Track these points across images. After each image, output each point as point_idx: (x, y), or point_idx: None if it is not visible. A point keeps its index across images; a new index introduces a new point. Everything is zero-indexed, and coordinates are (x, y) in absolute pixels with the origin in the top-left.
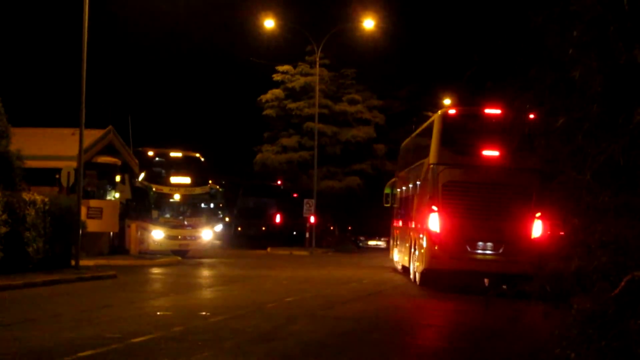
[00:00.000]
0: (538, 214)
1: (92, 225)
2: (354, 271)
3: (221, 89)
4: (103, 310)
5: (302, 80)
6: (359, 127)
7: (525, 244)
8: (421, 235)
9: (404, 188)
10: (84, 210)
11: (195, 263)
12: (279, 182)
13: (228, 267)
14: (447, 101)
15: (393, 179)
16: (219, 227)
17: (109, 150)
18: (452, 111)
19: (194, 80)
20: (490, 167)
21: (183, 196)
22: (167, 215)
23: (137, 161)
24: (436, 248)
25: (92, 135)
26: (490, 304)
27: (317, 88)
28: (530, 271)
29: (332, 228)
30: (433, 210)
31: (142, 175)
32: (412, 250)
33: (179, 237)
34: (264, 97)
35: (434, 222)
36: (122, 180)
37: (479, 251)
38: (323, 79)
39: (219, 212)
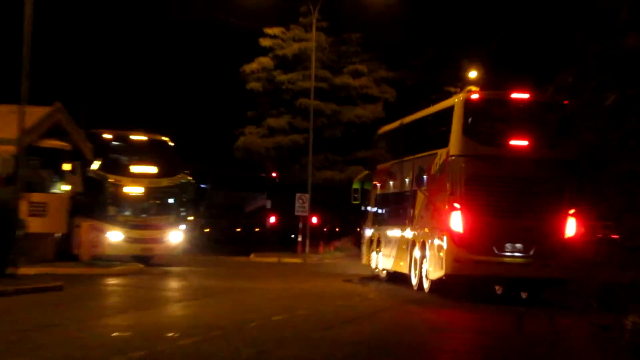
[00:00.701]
0: (572, 211)
1: (34, 225)
2: (357, 283)
3: (195, 59)
4: (46, 331)
5: (295, 46)
6: (365, 104)
7: (558, 245)
8: (435, 237)
9: (391, 183)
10: (23, 206)
11: (161, 272)
12: (273, 174)
13: (202, 277)
14: (472, 73)
15: (364, 173)
16: (183, 228)
17: (57, 132)
18: (475, 96)
19: (161, 48)
20: (519, 158)
21: (147, 189)
22: (127, 213)
23: (91, 146)
24: (459, 251)
25: (35, 114)
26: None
27: (314, 56)
28: (564, 276)
29: (337, 229)
30: (455, 208)
31: (97, 164)
32: (415, 255)
33: (142, 239)
34: (248, 67)
35: (457, 221)
36: (73, 169)
37: (508, 254)
38: (321, 46)
39: (191, 210)
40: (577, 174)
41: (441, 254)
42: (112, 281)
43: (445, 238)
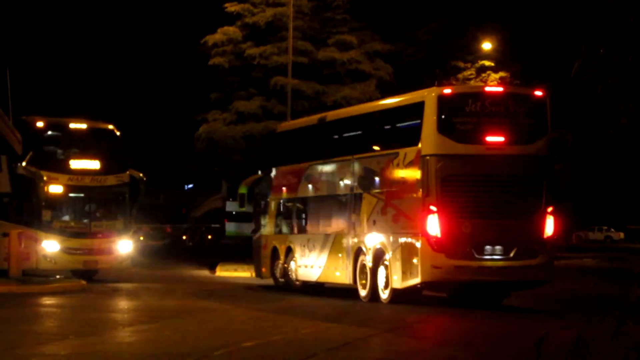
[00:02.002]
0: (550, 209)
1: None
2: (351, 299)
3: (144, 28)
4: None
5: (268, 12)
6: (354, 84)
7: (537, 246)
8: (402, 243)
9: (310, 186)
10: None
11: (107, 290)
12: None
13: (158, 295)
14: (486, 45)
15: (255, 176)
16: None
17: None
18: (447, 90)
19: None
20: (496, 155)
21: (90, 189)
22: (66, 218)
23: (19, 136)
24: (437, 256)
25: None
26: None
27: (291, 25)
28: (545, 278)
29: None
30: (431, 211)
31: (27, 158)
32: (365, 263)
33: (84, 250)
34: (211, 39)
35: (433, 224)
36: None
37: (488, 257)
38: (300, 12)
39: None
40: (551, 170)
41: (414, 260)
42: (47, 301)
43: (419, 243)
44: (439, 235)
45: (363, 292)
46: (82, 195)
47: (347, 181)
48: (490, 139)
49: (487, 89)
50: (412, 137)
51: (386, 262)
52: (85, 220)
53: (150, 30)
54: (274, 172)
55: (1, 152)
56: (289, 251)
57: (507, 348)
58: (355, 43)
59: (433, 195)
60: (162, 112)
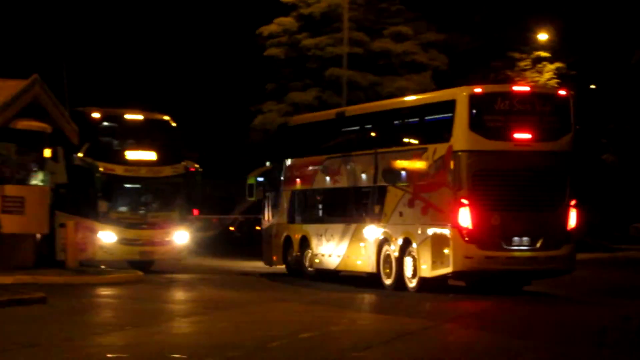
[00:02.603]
0: (573, 202)
1: (10, 224)
2: (375, 287)
3: (201, 21)
4: (26, 352)
5: (324, 3)
6: (409, 75)
7: (561, 237)
8: (433, 234)
9: (327, 179)
10: None
11: (164, 280)
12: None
13: (214, 286)
14: (542, 36)
15: (264, 167)
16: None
17: (34, 111)
18: (478, 90)
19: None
20: (523, 151)
21: (146, 179)
22: (122, 209)
23: (76, 127)
24: (469, 247)
25: (7, 89)
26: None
27: (346, 15)
28: (568, 267)
29: None
30: (463, 204)
31: (83, 149)
32: (390, 252)
33: (140, 241)
34: (267, 30)
35: (465, 217)
36: (54, 155)
37: (516, 247)
38: (355, 2)
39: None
40: (575, 165)
41: (445, 250)
42: (104, 292)
43: (450, 234)
44: (470, 227)
45: (388, 281)
46: (138, 186)
47: (369, 174)
48: (518, 135)
49: (515, 88)
50: (442, 133)
51: (413, 252)
52: (141, 211)
53: (206, 21)
54: (286, 164)
55: (58, 144)
56: (304, 240)
57: (571, 336)
58: (410, 34)
59: (465, 189)
60: (217, 103)
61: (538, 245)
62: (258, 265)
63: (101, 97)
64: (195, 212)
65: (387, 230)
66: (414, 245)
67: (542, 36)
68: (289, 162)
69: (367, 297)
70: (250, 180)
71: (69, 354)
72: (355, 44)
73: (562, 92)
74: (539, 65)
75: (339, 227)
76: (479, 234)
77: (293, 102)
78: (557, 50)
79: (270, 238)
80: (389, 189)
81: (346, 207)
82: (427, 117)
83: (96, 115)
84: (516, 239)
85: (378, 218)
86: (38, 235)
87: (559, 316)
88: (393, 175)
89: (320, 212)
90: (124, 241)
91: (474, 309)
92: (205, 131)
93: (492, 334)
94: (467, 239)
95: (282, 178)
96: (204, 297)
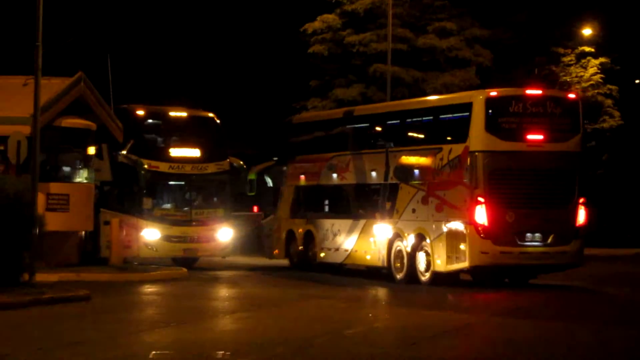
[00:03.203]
0: (582, 200)
1: (55, 222)
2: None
3: (244, 18)
4: (70, 350)
5: (367, 0)
6: (454, 70)
7: (571, 233)
8: (448, 230)
9: (335, 176)
10: (41, 199)
11: (208, 277)
12: None
13: (258, 283)
14: (586, 31)
15: (267, 163)
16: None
17: (79, 108)
18: (493, 93)
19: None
20: (536, 152)
21: (190, 176)
22: (167, 206)
23: (120, 125)
24: (485, 243)
25: (53, 86)
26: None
27: (390, 11)
28: (576, 262)
29: None
30: (479, 202)
31: (128, 146)
32: (401, 247)
33: (184, 238)
34: (310, 27)
35: (481, 214)
36: (99, 153)
37: (528, 243)
38: None
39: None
40: (584, 165)
41: (461, 246)
42: (149, 289)
43: (467, 230)
44: (486, 223)
45: (399, 275)
46: (182, 183)
47: (380, 172)
48: (531, 137)
49: (528, 91)
50: (458, 134)
51: (426, 248)
52: (185, 208)
53: (251, 18)
54: (290, 160)
55: (102, 141)
56: (308, 235)
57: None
58: (455, 29)
59: (481, 188)
60: (261, 100)
61: (549, 240)
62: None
63: (145, 94)
64: (255, 208)
65: (398, 226)
66: (428, 240)
67: (587, 31)
68: (293, 158)
69: (393, 292)
70: (251, 176)
71: (114, 351)
72: (399, 40)
73: (572, 95)
74: (583, 61)
75: (347, 222)
76: (494, 230)
77: (337, 98)
78: (601, 46)
79: (272, 232)
80: (401, 186)
81: (354, 204)
82: (442, 118)
83: (140, 112)
84: (529, 234)
85: (389, 214)
86: (82, 233)
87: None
88: (406, 173)
89: (327, 208)
90: (168, 238)
91: (510, 302)
92: (249, 128)
93: (547, 322)
94: (483, 235)
95: (285, 174)
96: (248, 294)
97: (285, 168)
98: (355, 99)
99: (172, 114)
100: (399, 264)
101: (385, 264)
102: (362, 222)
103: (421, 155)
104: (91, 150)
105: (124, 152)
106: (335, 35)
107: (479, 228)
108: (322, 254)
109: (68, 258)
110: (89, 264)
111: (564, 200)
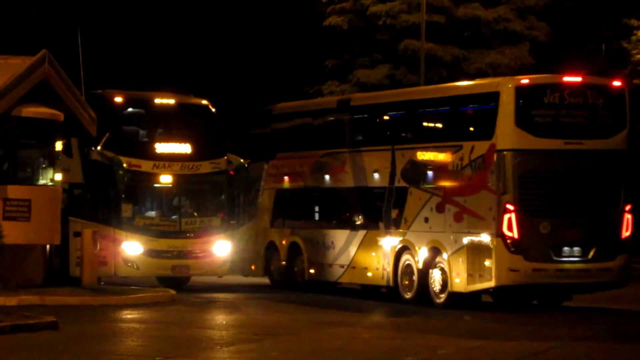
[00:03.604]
0: (628, 208)
1: (13, 234)
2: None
3: None
4: None
5: None
6: (503, 47)
7: (616, 246)
8: (470, 243)
9: (326, 177)
10: None
11: (201, 301)
12: None
13: (262, 307)
14: None
15: (240, 162)
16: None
17: (43, 94)
18: (525, 80)
19: None
20: (574, 151)
21: (179, 177)
22: (151, 214)
23: (93, 115)
24: (515, 258)
25: (11, 68)
26: None
27: None
28: (621, 280)
29: None
30: (508, 210)
31: (103, 141)
32: (411, 263)
33: (173, 253)
34: None
35: (511, 224)
36: (67, 149)
37: (566, 258)
38: None
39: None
40: (630, 165)
41: (487, 262)
42: (129, 315)
43: (494, 244)
44: (516, 235)
45: (408, 295)
46: (170, 185)
47: (383, 173)
48: (569, 132)
49: (566, 78)
50: (482, 129)
51: (442, 264)
52: (174, 217)
53: None
54: (269, 158)
55: (71, 134)
56: (294, 247)
57: None
58: None
59: (510, 193)
60: (266, 83)
61: (590, 255)
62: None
63: (124, 77)
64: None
65: (407, 238)
66: (444, 255)
67: None
68: (273, 155)
69: (417, 316)
70: None
71: None
72: (435, 11)
73: (617, 83)
74: None
75: (343, 233)
76: (525, 243)
77: (359, 81)
78: None
79: (246, 244)
80: (411, 190)
81: (352, 211)
82: (462, 111)
83: (118, 99)
84: (567, 249)
85: (396, 224)
86: (47, 247)
87: None
88: (417, 175)
89: (317, 216)
90: (152, 253)
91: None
92: (252, 118)
93: None
94: (512, 249)
95: (264, 174)
96: (251, 321)
97: (264, 167)
98: (381, 82)
99: (157, 101)
100: (407, 282)
101: (392, 282)
102: (361, 233)
103: (436, 153)
104: (58, 145)
105: (98, 147)
106: (357, 4)
107: (508, 241)
108: (311, 271)
109: (30, 277)
110: (55, 285)
111: (607, 207)
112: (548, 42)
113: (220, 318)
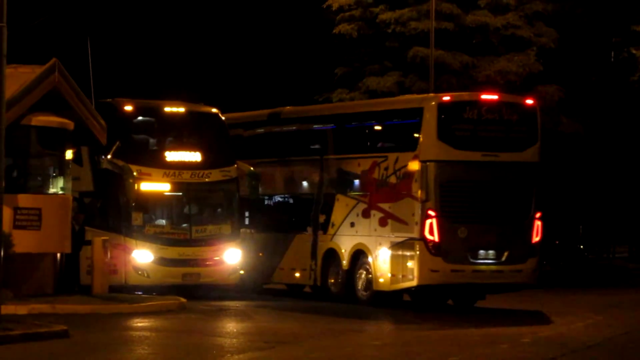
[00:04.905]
0: (538, 215)
1: (24, 242)
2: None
3: None
4: None
5: None
6: (511, 54)
7: (526, 250)
8: (394, 246)
9: (261, 186)
10: (7, 214)
11: (212, 309)
12: None
13: (273, 315)
14: None
15: None
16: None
17: (53, 103)
18: (446, 98)
19: None
20: (490, 162)
21: (190, 186)
22: (161, 222)
23: (103, 123)
24: (435, 260)
25: (21, 77)
26: None
27: None
28: (531, 281)
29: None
30: (430, 216)
31: (113, 149)
32: (339, 264)
33: (183, 262)
34: (336, 2)
35: (432, 229)
36: (77, 157)
37: (481, 260)
38: None
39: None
40: (541, 176)
41: (409, 263)
42: (139, 323)
43: (416, 247)
44: (436, 239)
45: (334, 290)
46: (180, 194)
47: (312, 181)
48: (486, 145)
49: (483, 96)
50: (407, 141)
51: (367, 265)
52: (184, 225)
53: None
54: None
55: (82, 143)
56: None
57: None
58: (512, 4)
59: (432, 201)
60: (275, 91)
61: (504, 258)
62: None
63: (134, 85)
64: None
65: (334, 241)
66: (369, 258)
67: None
68: None
69: (391, 315)
70: None
71: None
72: (444, 18)
73: (530, 102)
74: None
75: (273, 236)
76: (445, 246)
77: (369, 89)
78: None
79: None
80: (338, 197)
81: (283, 216)
82: (388, 124)
83: (128, 107)
84: (482, 252)
85: (324, 228)
86: (58, 255)
87: None
88: (344, 183)
89: (247, 221)
90: (162, 262)
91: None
92: None
93: None
94: (433, 251)
95: None
96: (262, 328)
97: None
98: (390, 90)
99: (168, 109)
100: (333, 280)
101: (319, 282)
102: (291, 236)
103: (362, 163)
104: (68, 154)
105: (109, 156)
106: (366, 11)
107: (429, 244)
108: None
109: (41, 286)
110: (66, 294)
111: (520, 215)
112: (555, 49)
113: (230, 326)
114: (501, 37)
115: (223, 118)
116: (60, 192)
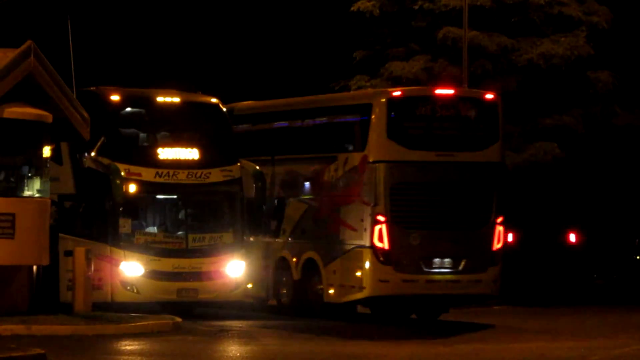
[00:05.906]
0: (499, 220)
1: None
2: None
3: None
4: None
5: None
6: (556, 35)
7: (487, 258)
8: (344, 254)
9: None
10: None
11: (211, 330)
12: None
13: (279, 337)
14: None
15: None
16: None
17: (29, 93)
18: (397, 93)
19: None
20: (446, 162)
21: (186, 187)
22: (153, 230)
23: (87, 116)
24: (385, 269)
25: None
26: None
27: None
28: (492, 292)
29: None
30: (379, 222)
31: (98, 146)
32: (288, 275)
33: (178, 275)
34: None
35: (381, 236)
36: (57, 155)
37: (436, 270)
38: None
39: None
40: (503, 177)
41: (358, 273)
42: (127, 347)
43: (364, 255)
44: (386, 247)
45: (284, 302)
46: (175, 197)
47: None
48: (440, 144)
49: (438, 91)
50: (356, 141)
51: (317, 276)
52: (180, 233)
53: None
54: None
55: (61, 138)
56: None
57: None
58: None
59: (381, 205)
60: (286, 78)
61: (461, 267)
62: None
63: (121, 72)
64: None
65: (285, 249)
66: (320, 267)
67: None
68: None
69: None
70: None
71: None
72: None
73: (490, 96)
74: None
75: None
76: (396, 254)
77: (392, 75)
78: None
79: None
80: (289, 201)
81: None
82: (338, 122)
83: (115, 97)
84: (437, 260)
85: (275, 235)
86: (34, 268)
87: None
88: (295, 185)
89: None
90: (154, 275)
91: None
92: None
93: None
94: (382, 260)
95: None
96: (268, 352)
97: None
98: (416, 76)
99: (160, 99)
100: (285, 290)
101: (270, 294)
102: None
103: (313, 164)
104: (46, 151)
105: (92, 153)
106: None
107: (378, 252)
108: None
109: (14, 303)
110: (43, 312)
111: (478, 219)
112: (608, 30)
113: (232, 349)
114: (545, 16)
115: (225, 109)
116: (37, 195)
